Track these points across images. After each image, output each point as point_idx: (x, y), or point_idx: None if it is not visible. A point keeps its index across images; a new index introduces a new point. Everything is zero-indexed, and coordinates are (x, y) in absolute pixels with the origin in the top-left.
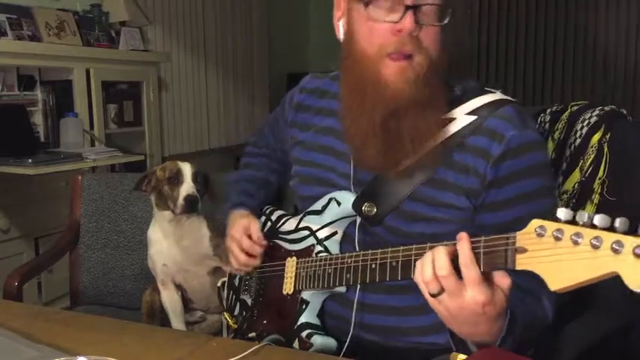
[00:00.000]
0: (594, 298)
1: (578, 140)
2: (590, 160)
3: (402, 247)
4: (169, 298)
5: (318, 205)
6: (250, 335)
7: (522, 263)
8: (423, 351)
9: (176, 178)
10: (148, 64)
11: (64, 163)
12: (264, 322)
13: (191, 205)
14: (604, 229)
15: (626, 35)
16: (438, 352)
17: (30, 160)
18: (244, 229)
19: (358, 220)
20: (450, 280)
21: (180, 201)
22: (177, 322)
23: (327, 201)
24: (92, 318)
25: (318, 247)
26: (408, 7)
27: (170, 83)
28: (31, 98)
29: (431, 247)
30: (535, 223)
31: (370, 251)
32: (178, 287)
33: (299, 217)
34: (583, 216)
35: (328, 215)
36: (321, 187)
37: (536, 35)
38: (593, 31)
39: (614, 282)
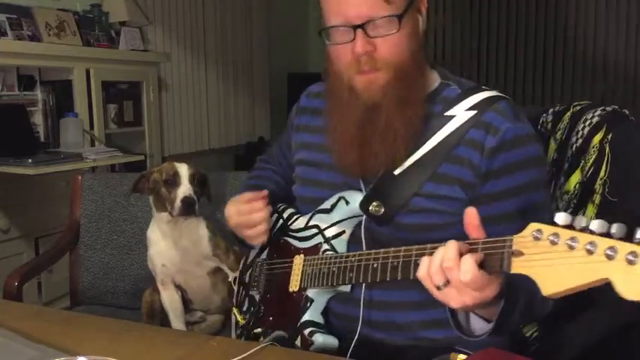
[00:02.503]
0: (594, 297)
1: (580, 140)
2: (591, 161)
3: (403, 248)
4: (169, 299)
5: (327, 204)
6: (256, 331)
7: (517, 267)
8: (423, 347)
9: (173, 180)
10: (148, 64)
11: (64, 163)
12: (270, 318)
13: (188, 207)
14: (601, 234)
15: (626, 34)
16: (439, 348)
17: (30, 160)
18: (242, 197)
19: (364, 219)
20: (454, 273)
21: (178, 203)
22: (177, 322)
23: (336, 200)
24: (92, 318)
25: (325, 246)
26: (357, 27)
27: (170, 83)
28: (31, 98)
29: (432, 248)
30: (533, 226)
31: (373, 251)
32: (178, 287)
33: (309, 215)
34: (581, 221)
35: (337, 214)
36: (325, 189)
37: (536, 35)
38: (593, 30)
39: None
